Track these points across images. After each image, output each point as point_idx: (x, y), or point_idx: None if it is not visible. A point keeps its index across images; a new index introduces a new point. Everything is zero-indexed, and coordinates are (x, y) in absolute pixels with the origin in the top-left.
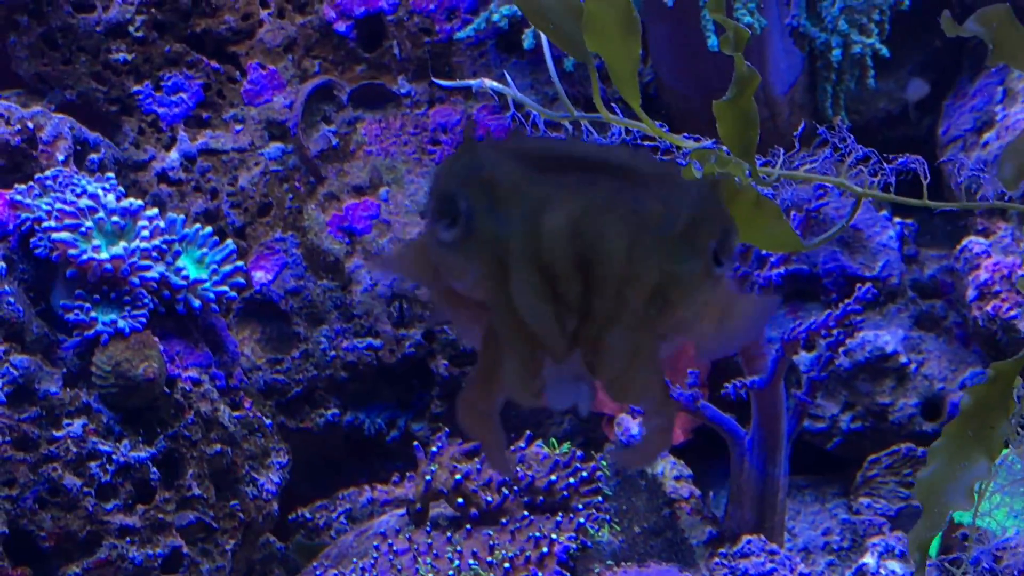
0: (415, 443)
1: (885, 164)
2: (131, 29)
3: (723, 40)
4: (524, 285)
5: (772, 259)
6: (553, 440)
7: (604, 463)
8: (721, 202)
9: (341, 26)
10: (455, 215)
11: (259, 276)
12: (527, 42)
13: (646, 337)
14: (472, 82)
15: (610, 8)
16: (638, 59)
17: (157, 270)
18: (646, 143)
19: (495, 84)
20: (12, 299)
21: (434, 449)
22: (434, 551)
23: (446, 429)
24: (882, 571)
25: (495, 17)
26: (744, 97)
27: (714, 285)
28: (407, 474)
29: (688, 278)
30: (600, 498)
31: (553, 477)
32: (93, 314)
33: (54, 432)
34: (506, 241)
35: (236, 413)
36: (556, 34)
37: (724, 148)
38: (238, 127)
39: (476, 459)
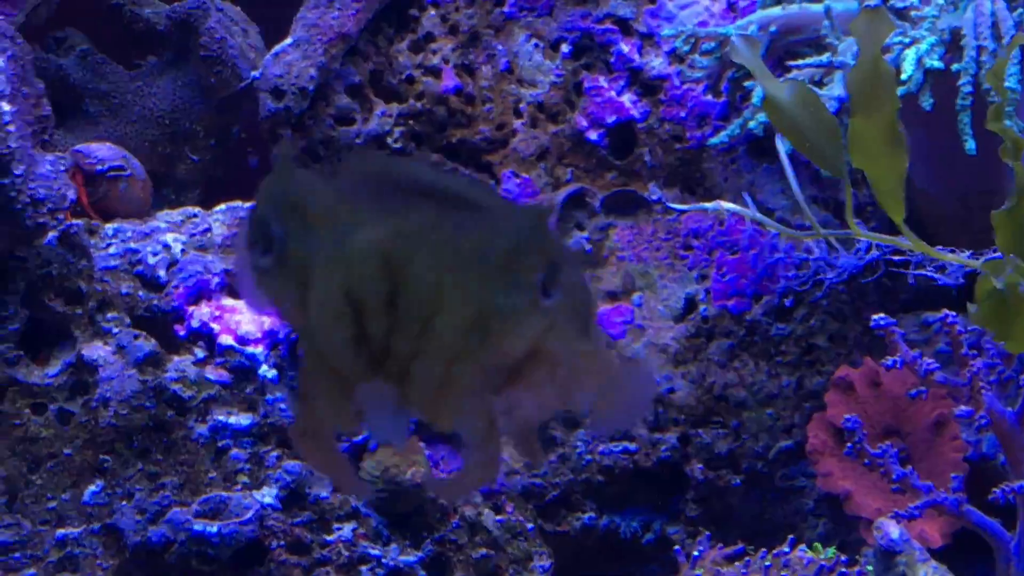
0: (675, 547)
1: None
2: (389, 140)
3: (1002, 150)
4: (321, 309)
5: None
6: (818, 544)
7: (870, 568)
8: (549, 233)
9: (593, 135)
10: (269, 241)
11: None
12: (785, 147)
13: (464, 368)
14: (708, 204)
15: (876, 125)
16: (904, 174)
17: None
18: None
19: (732, 206)
20: (283, 406)
21: (696, 553)
22: None
23: (706, 532)
24: None
25: (751, 124)
26: (1023, 206)
27: (542, 321)
28: None
29: (508, 310)
30: None
31: None
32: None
33: (326, 536)
34: (312, 264)
35: (499, 517)
36: (811, 150)
37: (978, 258)
38: None
39: (739, 563)
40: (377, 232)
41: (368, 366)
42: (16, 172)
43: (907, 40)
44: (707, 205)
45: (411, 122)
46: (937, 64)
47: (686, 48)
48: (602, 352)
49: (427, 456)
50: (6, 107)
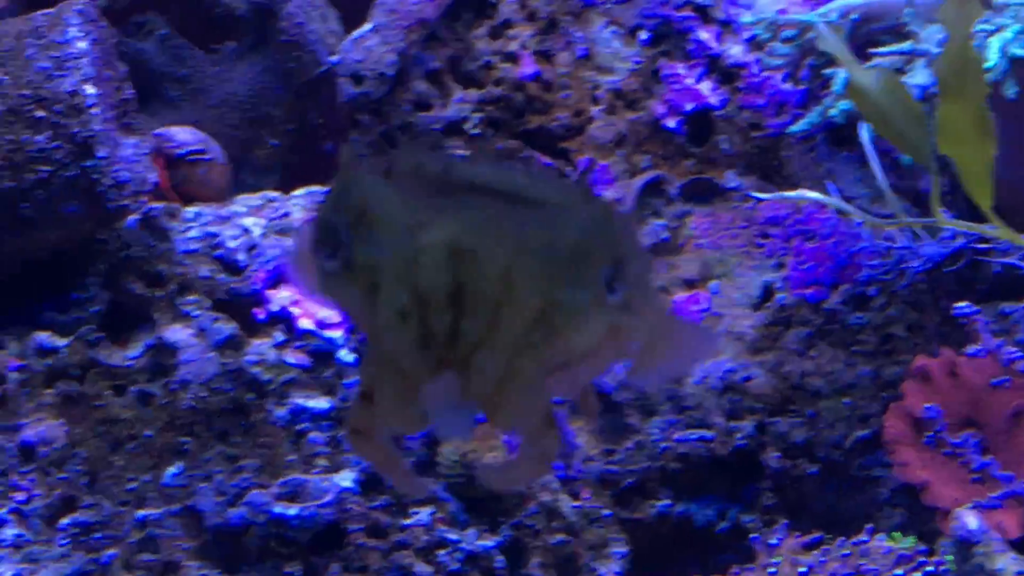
0: (752, 535)
1: None
2: (467, 126)
3: None
4: (389, 313)
5: None
6: (897, 534)
7: (950, 558)
8: (616, 229)
9: (671, 122)
10: (336, 244)
11: None
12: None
13: (526, 363)
14: (791, 193)
15: (964, 111)
16: (992, 161)
17: None
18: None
19: (816, 195)
20: None
21: (773, 541)
22: None
23: (784, 521)
24: None
25: (832, 112)
26: None
27: (609, 313)
28: (746, 567)
29: (573, 305)
30: None
31: (899, 571)
32: None
33: (403, 520)
34: (379, 267)
35: (575, 503)
36: (895, 137)
37: None
38: None
39: (816, 552)
40: (443, 234)
41: (434, 369)
42: (99, 155)
43: (991, 28)
44: (790, 194)
45: (489, 108)
46: (1021, 52)
47: (766, 36)
48: (659, 314)
49: (504, 441)
50: (90, 90)
